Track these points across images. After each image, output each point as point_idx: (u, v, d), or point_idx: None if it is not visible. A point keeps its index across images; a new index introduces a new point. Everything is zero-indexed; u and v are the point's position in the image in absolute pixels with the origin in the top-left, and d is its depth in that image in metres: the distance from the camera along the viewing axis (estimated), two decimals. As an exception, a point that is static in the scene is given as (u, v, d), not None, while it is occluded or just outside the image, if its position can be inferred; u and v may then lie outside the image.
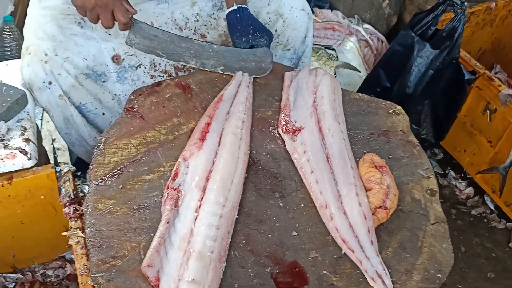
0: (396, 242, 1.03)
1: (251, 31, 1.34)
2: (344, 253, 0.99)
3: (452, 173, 1.95)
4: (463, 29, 1.60)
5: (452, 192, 1.90)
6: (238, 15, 1.34)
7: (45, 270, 1.43)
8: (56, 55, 1.27)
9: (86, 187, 1.34)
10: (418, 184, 1.14)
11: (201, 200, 0.99)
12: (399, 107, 1.32)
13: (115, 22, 1.20)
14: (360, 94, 1.35)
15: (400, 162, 1.19)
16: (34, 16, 1.34)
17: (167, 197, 1.00)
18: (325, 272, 0.96)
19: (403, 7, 2.20)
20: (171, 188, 1.02)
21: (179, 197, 1.01)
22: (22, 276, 1.41)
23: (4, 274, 1.40)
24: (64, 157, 1.72)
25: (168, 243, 0.94)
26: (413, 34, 1.64)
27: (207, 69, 1.33)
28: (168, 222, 0.96)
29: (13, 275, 1.41)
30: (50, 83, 1.28)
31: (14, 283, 1.40)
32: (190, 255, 0.91)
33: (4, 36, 1.97)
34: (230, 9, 1.35)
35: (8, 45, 1.95)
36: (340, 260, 0.98)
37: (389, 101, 1.35)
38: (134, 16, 1.24)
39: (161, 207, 1.00)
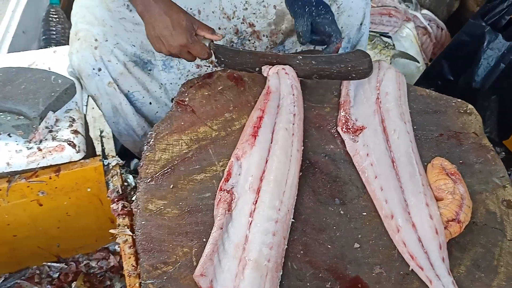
0: (469, 260, 0.93)
1: (314, 3, 1.19)
2: (412, 269, 0.90)
3: (515, 174, 1.81)
4: (542, 18, 1.44)
5: (515, 195, 1.76)
6: None
7: (89, 261, 1.42)
8: (106, 40, 1.22)
9: (130, 177, 1.30)
10: (493, 194, 1.03)
11: (255, 203, 0.92)
12: (471, 106, 1.20)
13: None
14: (427, 90, 1.24)
15: (473, 168, 1.08)
16: (84, 1, 1.28)
17: (220, 200, 0.94)
18: (390, 290, 0.88)
19: (467, -8, 2.04)
20: (224, 190, 0.95)
21: (232, 199, 0.94)
22: (66, 266, 1.40)
23: (49, 263, 1.40)
24: (108, 145, 1.69)
25: (221, 250, 0.87)
26: (483, 24, 1.49)
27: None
28: (221, 228, 0.89)
29: (58, 264, 1.40)
30: (99, 69, 1.23)
31: (58, 273, 1.39)
32: (246, 264, 0.84)
33: (50, 19, 1.95)
34: None
35: (54, 29, 1.94)
36: (407, 278, 0.90)
37: (452, 95, 1.23)
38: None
39: (214, 210, 0.94)
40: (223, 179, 0.97)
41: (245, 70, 1.22)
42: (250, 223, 0.90)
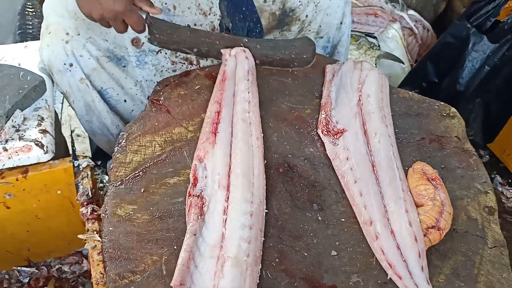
0: (449, 268, 0.91)
1: (255, 19, 1.20)
2: (390, 278, 0.87)
3: (498, 178, 1.79)
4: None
5: (498, 199, 1.75)
6: None
7: (61, 265, 1.37)
8: (78, 34, 1.17)
9: (106, 177, 1.25)
10: (475, 201, 1.01)
11: (227, 200, 0.89)
12: (454, 109, 1.17)
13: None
14: (410, 92, 1.21)
15: (455, 173, 1.05)
16: (56, -7, 1.23)
17: (190, 205, 0.90)
18: (368, 300, 0.85)
19: (453, -7, 2.01)
20: (193, 195, 0.91)
21: (203, 204, 0.90)
22: (37, 271, 1.35)
23: (18, 268, 1.35)
24: (84, 144, 1.64)
25: (197, 256, 0.83)
26: (469, 25, 1.47)
27: None
28: (195, 234, 0.85)
29: (28, 269, 1.35)
30: (71, 65, 1.18)
31: (28, 277, 1.34)
32: (225, 261, 0.81)
33: (26, 13, 1.89)
34: None
35: (31, 23, 1.87)
36: (386, 287, 0.86)
37: (436, 98, 1.20)
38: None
39: (186, 216, 0.90)
40: (190, 185, 0.93)
41: (181, 51, 1.17)
42: (225, 220, 0.87)
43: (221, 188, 0.91)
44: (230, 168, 0.94)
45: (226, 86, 1.11)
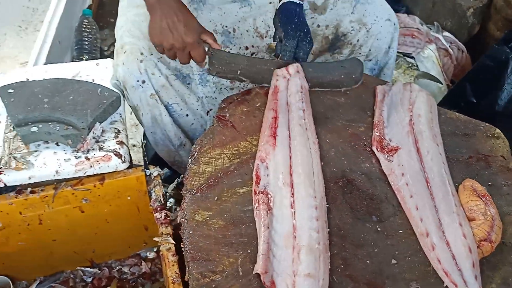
0: (499, 278, 0.98)
1: (305, 30, 1.25)
2: (446, 286, 0.94)
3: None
4: None
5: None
6: (298, 9, 1.27)
7: (121, 267, 1.46)
8: (151, 54, 1.28)
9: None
10: (521, 216, 1.08)
11: (293, 196, 1.00)
12: (498, 130, 1.25)
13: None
14: (456, 113, 1.29)
15: (501, 191, 1.12)
16: (128, 15, 1.35)
17: (258, 202, 1.00)
18: (426, 305, 0.92)
19: (487, 16, 2.09)
20: (259, 192, 1.02)
21: (269, 200, 1.01)
22: (100, 271, 1.45)
23: (82, 268, 1.44)
24: (138, 154, 1.74)
25: (273, 246, 0.94)
26: (507, 50, 1.55)
27: None
28: (268, 227, 0.95)
29: (91, 269, 1.45)
30: (143, 81, 1.29)
31: (91, 277, 1.44)
32: (300, 250, 0.92)
33: (83, 29, 2.02)
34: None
35: (87, 39, 2.00)
36: (442, 294, 0.94)
37: (474, 117, 1.28)
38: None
39: (254, 213, 1.00)
40: (254, 183, 1.04)
41: (238, 79, 1.26)
42: (294, 214, 0.97)
43: (286, 185, 1.01)
44: (291, 168, 1.05)
45: (279, 96, 1.21)
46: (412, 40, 1.98)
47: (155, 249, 1.47)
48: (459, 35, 2.11)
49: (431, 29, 2.08)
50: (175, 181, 1.56)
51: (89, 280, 1.43)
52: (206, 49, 1.21)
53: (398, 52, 1.95)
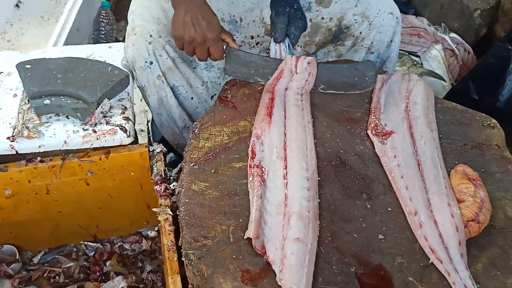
0: (486, 258, 0.99)
1: (295, 7, 1.27)
2: (432, 262, 0.96)
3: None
4: None
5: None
6: None
7: (122, 243, 1.51)
8: (160, 37, 1.34)
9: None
10: (512, 202, 1.10)
11: (286, 168, 1.06)
12: (494, 120, 1.27)
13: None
14: (453, 103, 1.31)
15: (494, 177, 1.14)
16: (140, 0, 1.41)
17: (253, 175, 1.05)
18: (411, 279, 0.94)
19: (495, 18, 2.11)
20: (254, 166, 1.07)
21: (263, 172, 1.06)
22: (102, 246, 1.50)
23: (86, 242, 1.50)
24: (144, 138, 1.80)
25: (265, 214, 0.99)
26: (510, 47, 1.57)
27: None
28: (261, 197, 1.00)
29: (94, 244, 1.50)
30: (151, 63, 1.35)
31: (94, 252, 1.49)
32: (291, 216, 0.97)
33: (101, 19, 2.10)
34: None
35: (104, 29, 2.08)
36: (427, 269, 0.96)
37: (477, 114, 1.30)
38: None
39: (249, 185, 1.05)
40: (249, 158, 1.09)
41: (254, 80, 1.28)
42: (286, 184, 1.02)
43: (279, 159, 1.07)
44: (285, 143, 1.11)
45: (281, 80, 1.26)
46: (418, 39, 2.01)
47: (156, 228, 1.52)
48: (466, 36, 2.13)
49: (438, 30, 2.11)
50: (179, 165, 1.61)
51: (91, 254, 1.48)
52: (224, 47, 1.26)
53: (404, 50, 1.99)
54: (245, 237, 0.95)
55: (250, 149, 1.10)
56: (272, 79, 1.27)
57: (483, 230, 1.02)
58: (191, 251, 0.95)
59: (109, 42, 2.08)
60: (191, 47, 1.22)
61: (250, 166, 1.07)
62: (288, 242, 0.92)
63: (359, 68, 1.29)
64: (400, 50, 1.97)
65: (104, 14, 2.11)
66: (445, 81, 1.90)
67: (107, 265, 1.45)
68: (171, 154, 1.70)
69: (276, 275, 0.89)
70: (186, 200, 1.03)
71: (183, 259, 0.97)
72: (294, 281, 0.87)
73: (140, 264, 1.47)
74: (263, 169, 1.06)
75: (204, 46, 1.21)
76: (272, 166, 1.06)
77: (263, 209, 0.98)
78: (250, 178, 1.05)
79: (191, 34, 1.19)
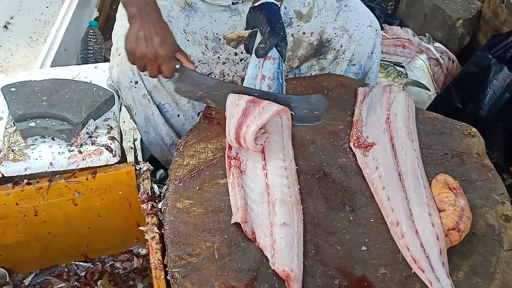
0: (467, 266, 1.01)
1: (283, 34, 1.22)
2: (414, 272, 0.98)
3: (521, 201, 1.86)
4: (545, 53, 1.55)
5: (521, 221, 1.81)
6: (279, 11, 1.25)
7: (113, 262, 1.52)
8: None
9: (155, 186, 1.41)
10: (492, 209, 1.11)
11: (264, 159, 1.10)
12: (474, 129, 1.29)
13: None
14: (434, 113, 1.34)
15: (474, 185, 1.16)
16: (123, 21, 1.43)
17: (230, 166, 1.11)
18: (394, 289, 0.96)
19: (477, 27, 2.15)
20: (231, 158, 1.12)
21: (240, 163, 1.11)
22: (93, 266, 1.50)
23: (77, 262, 1.50)
24: (133, 157, 1.82)
25: (250, 202, 1.05)
26: (490, 56, 1.60)
27: None
28: (242, 186, 1.06)
29: (85, 264, 1.50)
30: (136, 82, 1.37)
31: (85, 271, 1.49)
32: (274, 203, 1.02)
33: (89, 39, 2.13)
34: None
35: (92, 48, 2.11)
36: (410, 279, 0.98)
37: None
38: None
39: (227, 174, 1.10)
40: (227, 149, 1.13)
41: (204, 102, 1.24)
42: (266, 174, 1.08)
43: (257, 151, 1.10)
44: None
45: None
46: (403, 50, 2.04)
47: (146, 246, 1.52)
48: (450, 45, 2.17)
49: (422, 40, 2.15)
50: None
51: (83, 274, 1.48)
52: (178, 66, 1.20)
53: (388, 61, 2.02)
54: (232, 221, 1.01)
55: (227, 143, 1.14)
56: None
57: (464, 238, 1.03)
58: (176, 269, 0.96)
59: (98, 61, 2.12)
60: (142, 63, 1.18)
61: (228, 157, 1.12)
62: (276, 228, 0.98)
63: (310, 101, 1.22)
64: (385, 61, 2.01)
65: (92, 34, 2.14)
66: (429, 90, 1.93)
67: (98, 284, 1.46)
68: (161, 171, 1.71)
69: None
70: (171, 218, 1.04)
71: (168, 277, 0.98)
72: (287, 263, 0.93)
73: (131, 283, 1.47)
74: (241, 159, 1.11)
75: (155, 62, 1.16)
76: (250, 157, 1.11)
77: (247, 197, 1.04)
78: (228, 168, 1.10)
79: (142, 50, 1.15)
